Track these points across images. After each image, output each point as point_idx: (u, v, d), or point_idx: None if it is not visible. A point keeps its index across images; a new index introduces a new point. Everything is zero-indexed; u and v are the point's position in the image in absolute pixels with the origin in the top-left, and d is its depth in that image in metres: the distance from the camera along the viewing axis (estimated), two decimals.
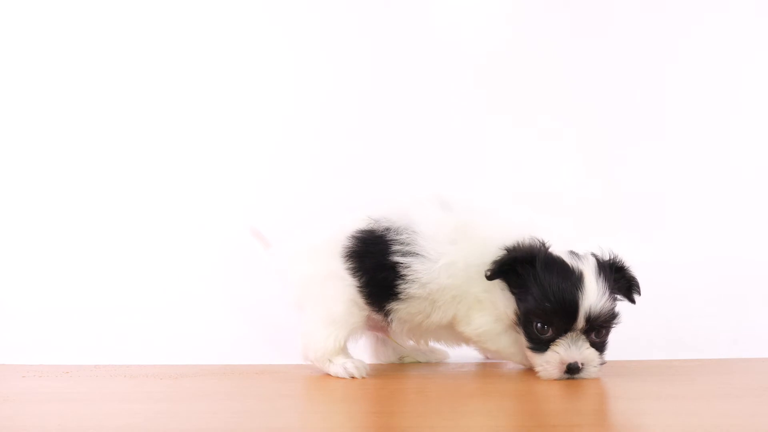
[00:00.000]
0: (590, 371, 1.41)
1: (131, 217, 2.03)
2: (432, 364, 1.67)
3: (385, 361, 1.69)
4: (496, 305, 1.47)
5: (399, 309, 1.51)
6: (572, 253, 1.43)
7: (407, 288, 1.48)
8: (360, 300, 1.52)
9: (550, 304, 1.38)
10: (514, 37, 2.10)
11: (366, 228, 1.52)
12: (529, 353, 1.45)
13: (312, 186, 2.03)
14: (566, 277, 1.39)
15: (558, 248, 1.44)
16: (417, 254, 1.48)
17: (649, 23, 2.07)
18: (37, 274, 1.99)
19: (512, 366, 1.57)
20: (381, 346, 1.70)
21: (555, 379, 1.41)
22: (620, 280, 1.45)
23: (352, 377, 1.48)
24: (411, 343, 1.67)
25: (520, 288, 1.43)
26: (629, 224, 2.01)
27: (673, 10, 2.07)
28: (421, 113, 2.07)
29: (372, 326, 1.61)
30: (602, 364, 1.43)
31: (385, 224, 1.51)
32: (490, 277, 1.43)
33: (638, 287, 1.47)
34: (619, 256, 1.46)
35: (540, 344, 1.42)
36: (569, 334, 1.40)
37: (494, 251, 1.45)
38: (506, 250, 1.44)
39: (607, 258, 1.45)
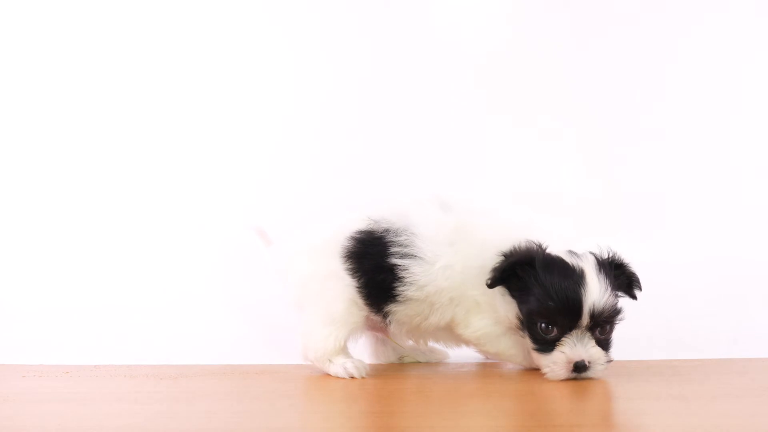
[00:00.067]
0: (597, 370, 1.40)
1: (131, 217, 2.03)
2: (432, 364, 1.67)
3: (385, 361, 1.69)
4: (495, 308, 1.47)
5: (397, 311, 1.51)
6: (571, 252, 1.43)
7: (405, 290, 1.48)
8: (359, 300, 1.52)
9: (554, 303, 1.38)
10: (514, 37, 2.10)
11: (365, 229, 1.52)
12: (535, 355, 1.44)
13: (312, 186, 2.03)
14: (567, 275, 1.39)
15: (556, 248, 1.44)
16: (415, 256, 1.47)
17: (649, 23, 2.07)
18: (37, 274, 1.99)
19: (512, 366, 1.57)
20: (381, 346, 1.70)
21: (562, 380, 1.40)
22: (620, 276, 1.45)
23: (352, 377, 1.48)
24: (410, 343, 1.67)
25: (521, 291, 1.42)
26: (629, 224, 2.01)
27: (673, 10, 2.07)
28: (421, 113, 2.07)
29: (371, 326, 1.61)
30: (608, 362, 1.42)
31: (384, 225, 1.51)
32: (490, 286, 1.43)
33: (639, 283, 1.46)
34: (618, 254, 1.46)
35: (545, 345, 1.41)
36: (574, 332, 1.39)
37: (492, 254, 1.44)
38: (504, 255, 1.43)
39: (606, 256, 1.44)
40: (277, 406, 1.29)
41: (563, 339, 1.40)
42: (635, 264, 1.47)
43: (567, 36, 2.08)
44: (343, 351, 1.53)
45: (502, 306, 1.46)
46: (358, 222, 1.54)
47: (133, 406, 1.29)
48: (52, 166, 2.05)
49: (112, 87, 2.07)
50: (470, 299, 1.48)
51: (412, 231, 1.49)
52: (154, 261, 2.00)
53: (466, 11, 2.10)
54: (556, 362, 1.40)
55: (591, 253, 1.43)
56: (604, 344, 1.42)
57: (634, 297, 1.47)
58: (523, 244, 1.44)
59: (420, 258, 1.47)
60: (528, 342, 1.44)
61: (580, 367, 1.39)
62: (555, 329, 1.40)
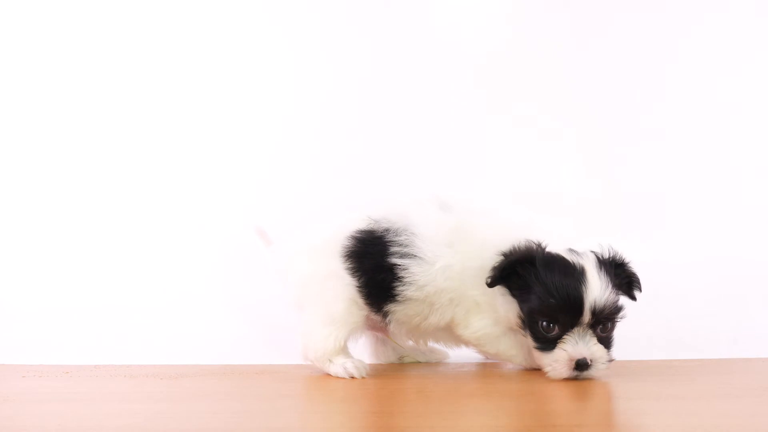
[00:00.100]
0: (599, 368, 1.40)
1: (131, 218, 2.03)
2: (432, 364, 1.67)
3: (385, 361, 1.69)
4: (495, 308, 1.47)
5: (397, 311, 1.51)
6: (571, 250, 1.43)
7: (405, 290, 1.48)
8: (360, 299, 1.52)
9: (555, 300, 1.38)
10: (514, 37, 2.10)
11: (366, 228, 1.52)
12: (537, 354, 1.44)
13: (312, 186, 2.03)
14: (568, 273, 1.39)
15: (556, 247, 1.44)
16: (415, 256, 1.47)
17: (649, 23, 2.07)
18: (37, 274, 1.99)
19: (512, 366, 1.57)
20: (381, 346, 1.70)
21: (564, 379, 1.40)
22: (621, 275, 1.45)
23: (352, 377, 1.48)
24: (410, 343, 1.67)
25: (521, 289, 1.42)
26: (629, 224, 2.01)
27: (673, 10, 2.07)
28: (421, 113, 2.07)
29: (372, 326, 1.61)
30: (610, 361, 1.42)
31: (384, 225, 1.51)
32: (491, 284, 1.43)
33: (639, 283, 1.46)
34: (619, 253, 1.46)
35: (547, 343, 1.41)
36: (575, 330, 1.39)
37: (491, 254, 1.44)
38: (503, 255, 1.44)
39: (607, 255, 1.44)
40: (277, 406, 1.29)
41: (565, 337, 1.40)
42: (635, 264, 1.47)
43: (567, 36, 2.08)
44: (344, 351, 1.53)
45: (503, 306, 1.46)
46: (358, 222, 1.54)
47: (133, 406, 1.29)
48: (53, 167, 2.05)
49: (113, 88, 2.07)
50: (470, 299, 1.48)
51: (412, 231, 1.49)
52: (154, 261, 2.00)
53: (466, 11, 2.10)
54: (558, 360, 1.40)
55: (592, 251, 1.43)
56: (606, 342, 1.42)
57: (633, 298, 1.47)
58: (523, 243, 1.44)
59: (420, 258, 1.47)
60: (529, 341, 1.44)
61: (582, 365, 1.39)
62: (556, 327, 1.40)
